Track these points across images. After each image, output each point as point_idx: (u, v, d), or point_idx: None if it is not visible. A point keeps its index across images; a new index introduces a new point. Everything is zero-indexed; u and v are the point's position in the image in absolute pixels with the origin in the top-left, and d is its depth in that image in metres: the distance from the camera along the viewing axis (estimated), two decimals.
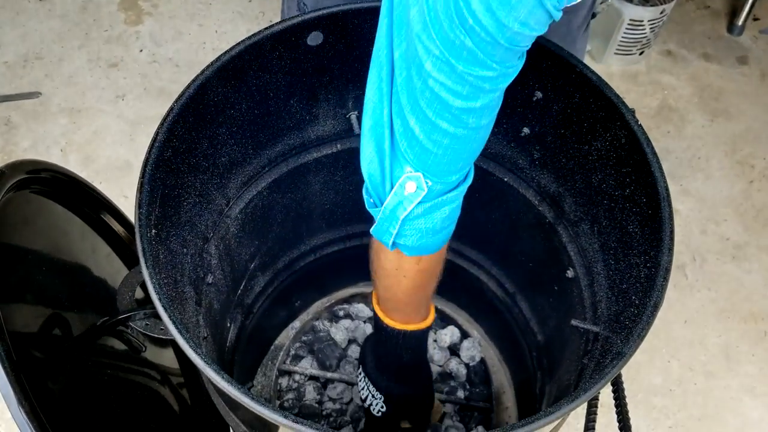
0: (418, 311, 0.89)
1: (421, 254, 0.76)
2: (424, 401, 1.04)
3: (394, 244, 0.74)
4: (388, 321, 0.88)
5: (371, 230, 0.75)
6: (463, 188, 0.72)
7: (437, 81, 0.59)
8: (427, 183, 0.67)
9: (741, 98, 1.96)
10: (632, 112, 0.82)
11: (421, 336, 0.92)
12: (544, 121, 0.94)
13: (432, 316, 0.92)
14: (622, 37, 1.92)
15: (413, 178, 0.67)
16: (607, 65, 2.01)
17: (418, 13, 0.57)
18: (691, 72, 2.02)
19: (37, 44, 1.99)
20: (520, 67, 0.61)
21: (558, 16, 0.55)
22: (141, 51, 2.00)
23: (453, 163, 0.67)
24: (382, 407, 0.99)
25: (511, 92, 0.93)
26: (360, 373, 1.01)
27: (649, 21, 1.88)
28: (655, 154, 0.79)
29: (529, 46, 0.59)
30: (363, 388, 1.01)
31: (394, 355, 0.93)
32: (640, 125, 0.81)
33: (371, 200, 0.73)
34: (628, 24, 1.88)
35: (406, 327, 0.89)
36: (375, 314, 0.90)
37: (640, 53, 1.99)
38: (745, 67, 2.04)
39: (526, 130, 0.97)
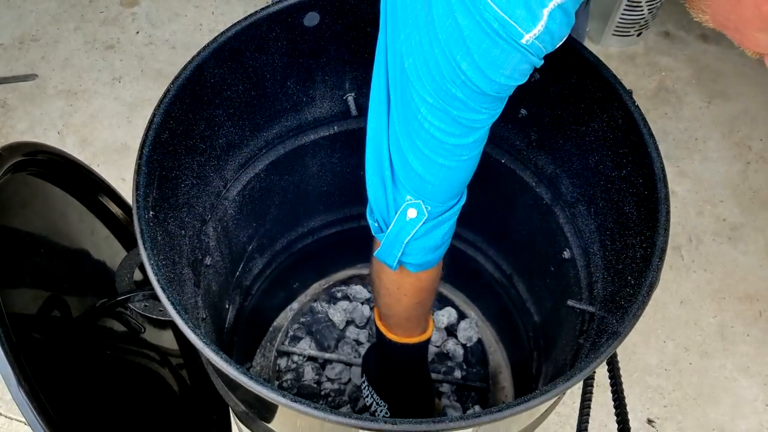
0: (418, 325, 0.94)
1: (425, 269, 0.82)
2: (425, 407, 1.09)
3: (398, 263, 0.80)
4: (390, 336, 0.93)
5: (375, 254, 0.81)
6: (459, 207, 0.77)
7: (432, 124, 0.64)
8: (426, 209, 0.73)
9: (739, 80, 1.96)
10: (629, 92, 0.82)
11: (422, 348, 0.97)
12: (541, 102, 0.94)
13: (431, 328, 0.97)
14: (620, 18, 1.91)
15: (414, 206, 0.73)
16: (605, 46, 2.00)
17: (411, 66, 0.62)
18: (689, 53, 2.01)
19: (32, 26, 1.98)
20: (503, 105, 0.67)
21: (540, 64, 0.60)
22: (137, 33, 1.98)
23: (449, 190, 0.73)
24: (386, 414, 1.04)
25: None
26: (364, 382, 1.06)
27: (647, 2, 1.87)
28: (651, 135, 0.79)
29: (513, 92, 0.64)
30: (367, 396, 1.06)
31: (396, 367, 0.99)
32: (637, 106, 0.81)
33: (376, 224, 0.79)
34: (626, 5, 1.87)
35: (408, 341, 0.94)
36: (377, 329, 0.95)
37: (638, 34, 1.98)
38: (743, 49, 2.04)
39: (523, 111, 0.97)
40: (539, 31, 0.57)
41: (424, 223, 0.74)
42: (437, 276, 0.87)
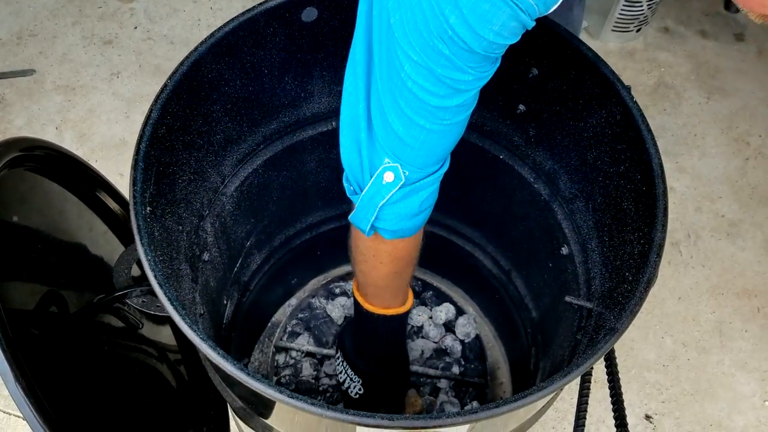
0: (395, 297, 0.91)
1: (400, 237, 0.79)
2: (400, 384, 1.07)
3: (372, 228, 0.77)
4: (367, 306, 0.91)
5: (349, 217, 0.78)
6: (440, 174, 0.75)
7: (416, 83, 0.62)
8: (404, 173, 0.71)
9: (738, 75, 1.96)
10: (628, 88, 0.82)
11: (400, 320, 0.95)
12: (539, 98, 0.93)
13: (410, 301, 0.94)
14: (620, 13, 1.90)
15: (391, 169, 0.70)
16: (604, 42, 2.00)
17: (398, 22, 0.60)
18: (688, 49, 2.01)
19: (30, 21, 1.98)
20: (495, 70, 0.64)
21: (531, 25, 0.58)
22: (135, 28, 1.98)
23: (429, 156, 0.71)
24: (359, 390, 1.01)
25: (506, 69, 0.93)
26: (338, 357, 1.04)
27: None
28: (649, 130, 0.79)
29: (503, 52, 0.62)
30: (341, 372, 1.03)
31: (373, 339, 0.96)
32: (636, 102, 0.81)
33: (351, 188, 0.76)
34: (626, 1, 1.87)
35: (385, 312, 0.91)
36: (354, 300, 0.93)
37: (638, 30, 1.98)
38: (742, 44, 2.03)
39: (521, 107, 0.97)
40: None
41: (400, 187, 0.72)
42: (415, 246, 0.84)
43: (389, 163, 0.70)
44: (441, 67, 0.60)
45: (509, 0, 0.55)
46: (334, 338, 1.23)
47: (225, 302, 1.09)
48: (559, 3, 0.58)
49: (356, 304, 0.93)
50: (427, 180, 0.73)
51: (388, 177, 0.71)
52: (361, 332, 0.97)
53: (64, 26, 1.97)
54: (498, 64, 0.64)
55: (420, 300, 1.31)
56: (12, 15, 1.98)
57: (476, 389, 1.21)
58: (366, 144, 0.71)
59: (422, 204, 0.75)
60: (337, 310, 1.27)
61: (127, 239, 1.07)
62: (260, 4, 0.85)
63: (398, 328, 0.96)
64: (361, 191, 0.74)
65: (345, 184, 0.77)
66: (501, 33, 0.58)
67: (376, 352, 0.99)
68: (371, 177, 0.72)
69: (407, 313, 0.95)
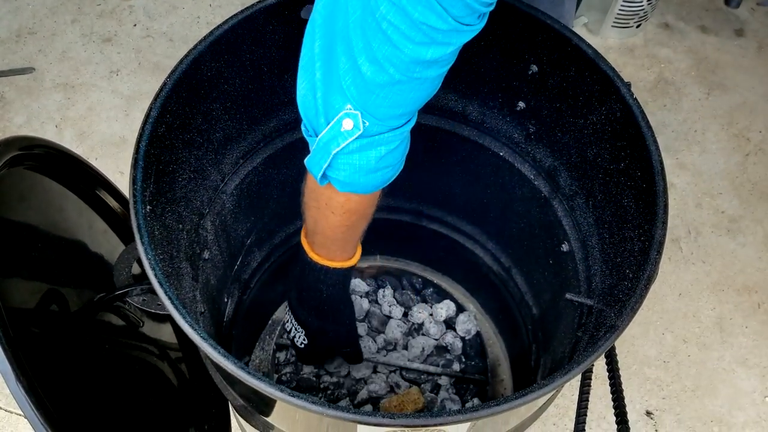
0: (343, 249, 0.88)
1: (354, 192, 0.75)
2: (344, 339, 1.06)
3: (325, 176, 0.73)
4: (312, 255, 0.88)
5: (305, 161, 0.75)
6: (403, 131, 0.71)
7: (391, 24, 0.58)
8: (364, 123, 0.67)
9: (738, 71, 1.96)
10: (628, 85, 0.82)
11: (344, 274, 0.91)
12: (539, 95, 0.93)
13: (357, 256, 0.91)
14: (620, 9, 1.90)
15: (351, 116, 0.67)
16: (604, 38, 1.99)
17: None
18: (689, 45, 2.01)
19: (29, 19, 1.97)
20: (478, 28, 0.61)
21: None
22: (135, 25, 1.98)
23: (394, 108, 0.67)
24: (303, 340, 1.01)
25: (506, 66, 0.94)
26: (286, 306, 1.03)
27: None
28: (649, 127, 0.79)
29: (491, 8, 0.59)
30: (288, 321, 1.02)
31: (314, 290, 0.93)
32: (636, 99, 0.81)
33: (307, 132, 0.73)
34: None
35: (329, 263, 0.88)
36: (300, 247, 0.89)
37: (638, 26, 1.98)
38: (742, 40, 2.03)
39: (521, 104, 0.96)
40: None
41: (358, 137, 0.68)
42: (371, 203, 0.81)
43: (350, 109, 0.66)
44: (419, 10, 0.56)
45: None
46: None
47: (225, 300, 1.09)
48: None
49: (301, 251, 0.89)
50: (388, 135, 0.69)
51: (347, 124, 0.67)
52: (303, 281, 0.93)
53: (63, 24, 1.97)
54: (482, 24, 0.61)
55: (420, 297, 1.31)
56: (11, 13, 1.98)
57: (477, 386, 1.21)
58: (322, 86, 0.67)
59: (380, 161, 0.71)
60: None
61: (127, 237, 1.07)
62: (259, 1, 0.85)
63: (341, 281, 0.93)
64: (317, 135, 0.70)
65: (302, 128, 0.74)
66: None
67: (316, 303, 0.95)
68: (327, 122, 0.68)
69: (352, 268, 0.91)
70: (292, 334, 1.03)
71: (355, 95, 0.65)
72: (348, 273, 0.92)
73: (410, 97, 0.66)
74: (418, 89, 0.65)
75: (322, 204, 0.79)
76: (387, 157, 0.71)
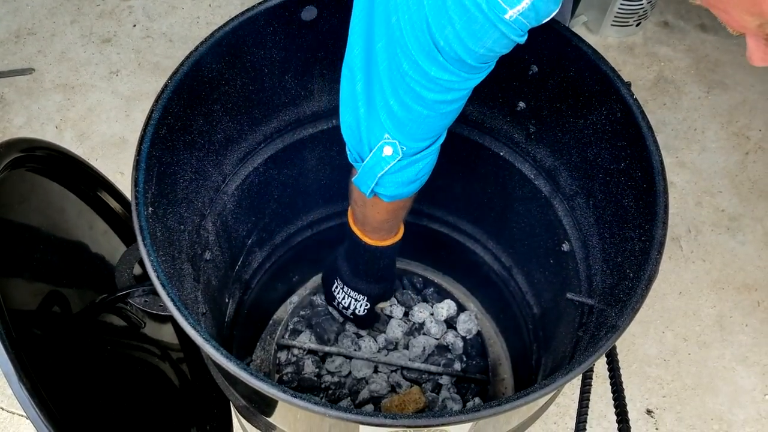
0: (390, 232, 1.00)
1: (397, 200, 0.86)
2: (392, 287, 1.20)
3: (372, 192, 0.84)
4: (366, 240, 0.99)
5: (353, 180, 0.85)
6: (436, 147, 0.80)
7: (413, 78, 0.67)
8: (402, 149, 0.77)
9: (737, 69, 1.96)
10: (628, 85, 0.82)
11: (395, 247, 1.03)
12: (539, 95, 0.94)
13: (402, 230, 1.02)
14: (619, 8, 1.90)
15: (390, 144, 0.76)
16: (604, 37, 1.99)
17: (397, 23, 0.65)
18: (688, 43, 2.01)
19: (28, 20, 1.97)
20: (487, 73, 0.69)
21: (523, 40, 0.62)
22: (134, 26, 1.98)
23: (425, 133, 0.76)
24: (366, 305, 1.13)
25: (506, 67, 0.94)
26: (337, 287, 1.13)
27: None
28: (650, 127, 0.79)
29: (494, 61, 0.67)
30: (343, 298, 1.13)
31: (372, 263, 1.05)
32: (636, 99, 0.81)
33: (352, 156, 0.83)
34: None
35: (383, 243, 1.00)
36: (352, 233, 1.00)
37: (637, 24, 1.98)
38: (742, 38, 2.01)
39: (521, 104, 0.97)
40: (524, 7, 0.58)
41: (399, 160, 0.78)
42: (411, 199, 0.91)
43: (388, 138, 0.76)
44: (435, 70, 0.65)
45: (501, 21, 0.59)
46: (335, 335, 1.24)
47: (227, 301, 1.09)
48: (551, 16, 0.61)
49: (353, 236, 1.00)
50: (424, 153, 0.79)
51: (387, 151, 0.77)
52: (359, 258, 1.04)
53: (62, 24, 1.97)
54: (491, 68, 0.69)
55: (421, 297, 1.31)
56: (10, 14, 1.98)
57: (478, 386, 1.22)
58: (364, 120, 0.76)
59: (419, 173, 0.82)
60: None
61: (128, 238, 1.07)
62: (260, 3, 0.85)
63: (393, 252, 1.04)
64: (362, 161, 0.80)
65: (347, 153, 0.83)
66: (493, 48, 0.62)
67: (375, 272, 1.07)
68: (371, 150, 0.78)
69: (401, 241, 1.03)
70: (352, 308, 1.13)
71: (391, 127, 0.75)
72: (398, 245, 1.03)
73: (439, 124, 0.76)
74: (444, 118, 0.75)
75: (369, 206, 0.90)
76: (424, 168, 0.82)
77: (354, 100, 0.76)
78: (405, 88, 0.69)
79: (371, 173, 0.80)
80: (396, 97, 0.71)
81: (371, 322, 1.24)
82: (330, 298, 1.16)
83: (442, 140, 0.81)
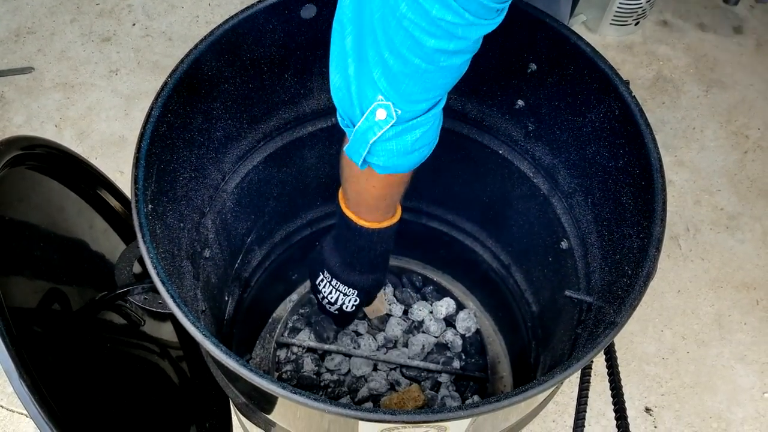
0: (387, 212, 0.91)
1: (393, 173, 0.78)
2: (384, 279, 1.09)
3: (364, 162, 0.76)
4: (361, 222, 0.89)
5: (344, 148, 0.77)
6: (435, 112, 0.73)
7: (411, 22, 0.60)
8: (396, 111, 0.69)
9: (736, 68, 1.96)
10: (626, 83, 0.82)
11: (392, 230, 0.93)
12: (538, 93, 0.94)
13: (399, 211, 0.93)
14: (618, 7, 1.91)
15: (384, 106, 0.69)
16: (603, 36, 2.00)
17: None
18: (687, 42, 2.01)
19: (28, 18, 1.98)
20: (497, 22, 0.62)
21: None
22: (134, 25, 1.98)
23: (423, 93, 0.68)
24: (355, 301, 1.02)
25: (505, 64, 0.94)
26: (323, 280, 1.02)
27: None
28: (648, 125, 0.79)
29: (506, 4, 0.60)
30: (330, 292, 1.02)
31: (366, 250, 0.95)
32: (634, 97, 0.81)
33: (344, 121, 0.75)
34: None
35: (380, 225, 0.90)
36: (345, 217, 0.90)
37: (636, 23, 1.98)
38: (741, 37, 2.04)
39: (520, 102, 0.97)
40: None
41: (393, 125, 0.70)
42: (409, 176, 0.83)
43: (382, 100, 0.68)
44: (436, 9, 0.58)
45: None
46: (334, 334, 1.24)
47: (226, 299, 1.09)
48: None
49: (346, 220, 0.90)
50: (421, 119, 0.71)
51: (380, 114, 0.69)
52: (352, 245, 0.94)
53: (62, 23, 1.97)
54: (501, 18, 0.62)
55: (420, 295, 1.31)
56: (10, 12, 1.98)
57: (477, 383, 1.22)
58: (355, 79, 0.69)
59: (415, 143, 0.73)
60: None
61: (127, 236, 1.07)
62: (260, 1, 0.85)
63: (391, 235, 0.95)
64: (354, 126, 0.73)
65: (338, 119, 0.76)
66: None
67: (369, 260, 0.97)
68: (362, 113, 0.71)
69: (399, 221, 0.93)
70: (339, 303, 1.02)
71: (385, 85, 0.67)
72: (396, 226, 0.93)
73: (438, 83, 0.68)
74: (445, 76, 0.67)
75: (362, 180, 0.82)
76: (422, 138, 0.73)
77: (344, 57, 0.69)
78: (402, 35, 0.61)
79: (363, 140, 0.72)
80: (391, 48, 0.63)
81: (352, 320, 1.15)
82: (315, 291, 1.06)
83: (441, 106, 0.73)
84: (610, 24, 1.96)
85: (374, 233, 0.91)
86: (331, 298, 1.02)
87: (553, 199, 0.99)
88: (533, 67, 0.91)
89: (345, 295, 1.01)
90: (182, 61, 0.82)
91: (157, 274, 0.70)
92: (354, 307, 1.04)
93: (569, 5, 1.18)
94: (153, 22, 1.99)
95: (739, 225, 1.67)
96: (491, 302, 1.30)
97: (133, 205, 0.74)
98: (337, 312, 1.05)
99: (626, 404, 0.84)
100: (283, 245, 1.21)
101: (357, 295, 1.01)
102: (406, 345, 1.24)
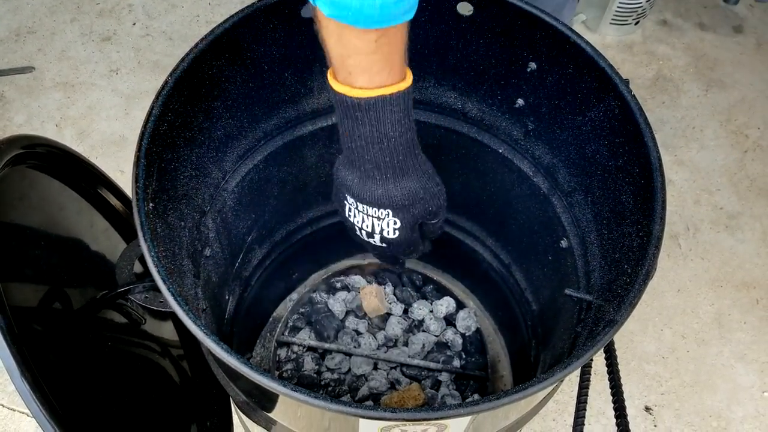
0: (386, 71, 0.67)
1: (340, 20, 0.60)
2: (438, 188, 0.79)
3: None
4: (358, 93, 0.67)
5: None
6: None
7: None
8: None
9: (736, 68, 1.96)
10: (626, 82, 0.82)
11: (405, 101, 0.69)
12: (538, 92, 0.94)
13: (410, 76, 0.69)
14: (618, 6, 1.91)
15: None
16: (603, 35, 2.00)
17: None
18: (687, 42, 2.01)
19: (28, 18, 1.98)
20: None
21: None
22: (134, 24, 1.98)
23: None
24: (395, 222, 0.78)
25: (504, 63, 0.94)
26: (350, 208, 0.80)
27: None
28: (647, 124, 0.80)
29: None
30: (362, 220, 0.79)
31: (379, 141, 0.71)
32: (634, 95, 0.81)
33: None
34: None
35: (382, 92, 0.67)
36: (340, 95, 0.68)
37: (636, 23, 1.98)
38: (741, 36, 2.04)
39: (520, 101, 0.97)
40: None
41: None
42: (401, 32, 0.64)
43: None
44: None
45: None
46: (335, 332, 1.24)
47: (227, 297, 1.10)
48: None
49: (342, 97, 0.68)
50: None
51: None
52: (360, 140, 0.71)
53: (62, 23, 1.97)
54: None
55: (420, 294, 1.31)
56: (10, 12, 1.98)
57: (477, 382, 1.22)
58: None
59: None
60: (339, 304, 1.27)
61: (127, 236, 1.07)
62: (259, 0, 0.86)
63: (406, 111, 0.70)
64: None
65: None
66: None
67: (389, 159, 0.72)
68: None
69: (411, 89, 0.69)
70: (377, 231, 0.79)
71: None
72: (409, 101, 0.70)
73: None
74: None
75: (336, 32, 0.63)
76: None
77: None
78: None
79: None
80: None
81: (410, 246, 0.83)
82: (351, 229, 0.83)
83: None
84: (610, 23, 1.97)
85: (379, 105, 0.67)
86: (366, 226, 0.79)
87: (553, 197, 1.00)
88: (533, 66, 0.91)
89: (378, 219, 0.77)
90: (183, 59, 0.82)
91: (158, 272, 0.70)
92: (397, 231, 0.78)
93: (573, 10, 1.18)
94: (153, 21, 1.99)
95: (739, 224, 1.67)
96: (491, 301, 1.30)
97: (133, 203, 0.74)
98: (384, 244, 0.81)
99: (626, 403, 0.85)
100: (283, 244, 1.21)
101: (393, 215, 0.77)
102: (406, 344, 1.24)
